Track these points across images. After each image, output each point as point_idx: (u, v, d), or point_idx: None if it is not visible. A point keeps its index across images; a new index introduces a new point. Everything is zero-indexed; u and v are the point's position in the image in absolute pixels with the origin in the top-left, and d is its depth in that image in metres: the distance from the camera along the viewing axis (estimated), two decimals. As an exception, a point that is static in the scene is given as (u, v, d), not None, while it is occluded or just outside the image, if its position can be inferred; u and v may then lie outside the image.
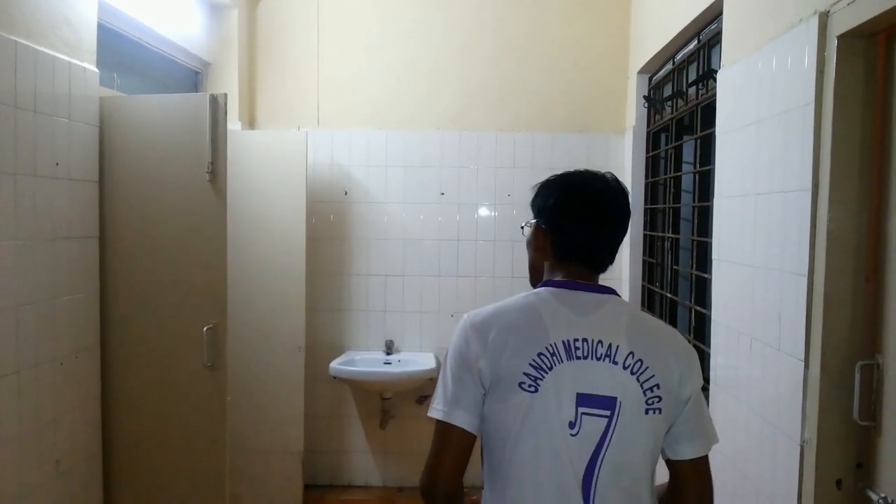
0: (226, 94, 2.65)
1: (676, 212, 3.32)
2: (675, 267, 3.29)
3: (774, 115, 1.95)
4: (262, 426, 3.69)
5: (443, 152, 4.06)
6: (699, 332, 2.86)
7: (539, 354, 1.27)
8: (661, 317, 3.48)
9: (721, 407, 2.34)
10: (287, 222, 3.67)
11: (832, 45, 1.66)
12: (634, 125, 3.82)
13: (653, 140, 3.74)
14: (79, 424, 2.55)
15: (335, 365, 3.80)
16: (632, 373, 1.27)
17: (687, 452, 1.33)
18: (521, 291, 1.40)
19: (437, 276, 4.04)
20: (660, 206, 3.60)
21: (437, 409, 1.32)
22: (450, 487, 1.29)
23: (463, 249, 3.92)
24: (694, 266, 2.88)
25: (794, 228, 1.80)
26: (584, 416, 1.26)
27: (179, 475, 2.73)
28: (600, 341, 1.29)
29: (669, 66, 3.35)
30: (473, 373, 1.30)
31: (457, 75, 4.05)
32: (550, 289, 1.37)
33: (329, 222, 4.09)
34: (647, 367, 1.28)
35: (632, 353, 1.28)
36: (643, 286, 3.80)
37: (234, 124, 3.87)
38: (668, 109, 3.37)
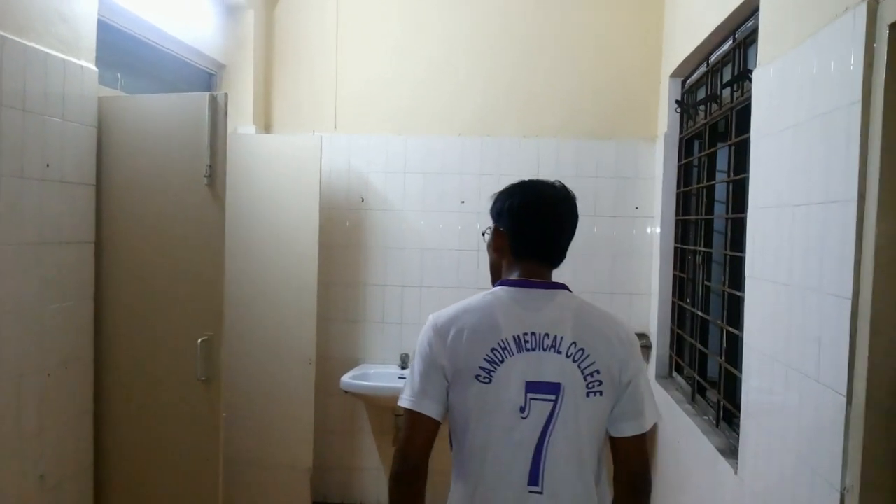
0: (226, 94, 2.52)
1: (709, 224, 3.09)
2: (706, 283, 3.06)
3: (815, 117, 1.74)
4: (270, 441, 3.55)
5: (464, 159, 3.90)
6: (731, 355, 2.63)
7: (492, 350, 1.46)
8: (691, 335, 3.26)
9: (752, 439, 2.12)
10: (300, 229, 3.55)
11: (882, 35, 1.44)
12: (666, 131, 3.61)
13: (685, 147, 3.52)
14: (68, 438, 2.43)
15: (347, 379, 3.65)
16: (573, 360, 1.46)
17: (626, 430, 1.50)
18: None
19: (456, 287, 3.87)
20: (692, 217, 3.38)
21: (406, 399, 1.50)
22: (418, 461, 1.48)
23: (483, 260, 3.71)
24: (727, 282, 2.65)
25: (835, 244, 1.58)
26: (532, 401, 1.45)
27: (172, 492, 2.60)
28: (547, 334, 1.47)
29: (703, 69, 3.14)
30: (437, 368, 1.49)
31: (480, 78, 3.89)
32: (506, 288, 1.54)
33: (345, 230, 3.95)
34: (588, 355, 1.46)
35: (574, 343, 1.47)
36: (673, 302, 3.57)
37: (248, 128, 3.77)
38: (702, 114, 3.15)
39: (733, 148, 2.65)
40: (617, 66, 3.82)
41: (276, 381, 3.53)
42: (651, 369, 3.67)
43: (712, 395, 2.84)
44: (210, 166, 2.49)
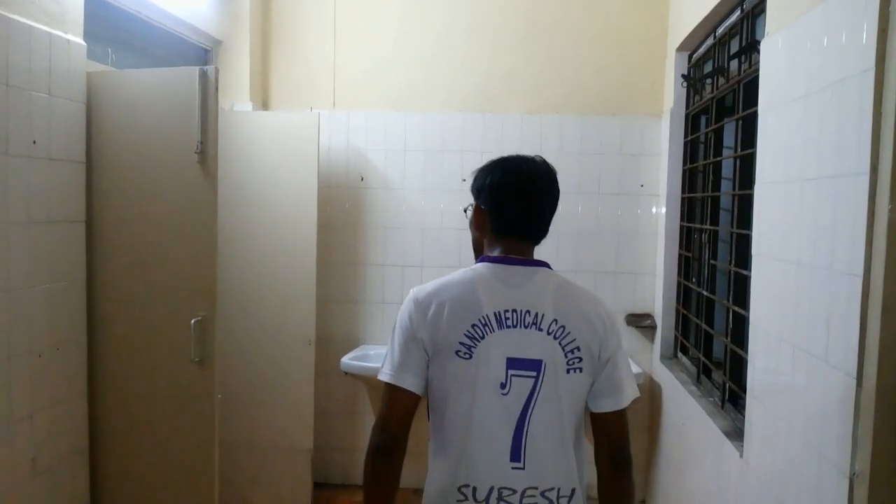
0: (216, 69, 2.45)
1: (715, 201, 3.01)
2: (712, 262, 2.99)
3: (826, 87, 1.66)
4: (270, 423, 3.51)
5: (465, 136, 3.82)
6: (737, 336, 2.57)
7: (473, 325, 1.45)
8: (696, 316, 3.19)
9: (758, 421, 2.06)
10: (298, 209, 3.48)
11: (899, -3, 1.36)
12: (672, 107, 3.52)
13: (692, 123, 3.43)
14: (61, 421, 2.39)
15: (347, 360, 3.61)
16: (555, 338, 1.46)
17: (605, 406, 1.51)
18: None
19: (457, 266, 3.75)
20: (697, 194, 3.30)
21: (386, 374, 1.49)
22: (398, 432, 1.48)
23: (485, 240, 3.65)
24: (733, 261, 2.58)
25: (846, 220, 1.51)
26: (513, 377, 1.45)
27: (167, 475, 2.57)
28: (528, 311, 1.46)
29: (711, 41, 3.04)
30: (417, 342, 1.47)
31: (481, 53, 3.79)
32: (487, 264, 1.53)
33: (344, 209, 3.89)
34: (569, 333, 1.46)
35: (555, 320, 1.46)
36: (679, 282, 3.50)
37: (245, 105, 3.70)
38: (708, 89, 3.06)
39: (741, 122, 2.57)
40: (622, 41, 3.72)
41: (275, 363, 3.48)
42: (656, 350, 3.62)
43: (718, 376, 2.79)
44: (201, 143, 2.42)
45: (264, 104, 3.90)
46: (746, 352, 2.26)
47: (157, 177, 2.52)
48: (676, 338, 3.52)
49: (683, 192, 3.48)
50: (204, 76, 2.42)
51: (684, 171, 3.47)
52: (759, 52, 2.37)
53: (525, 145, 3.72)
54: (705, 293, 3.01)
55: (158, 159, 2.51)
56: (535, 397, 1.45)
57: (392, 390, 1.48)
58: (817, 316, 1.66)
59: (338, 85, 3.87)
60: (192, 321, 2.46)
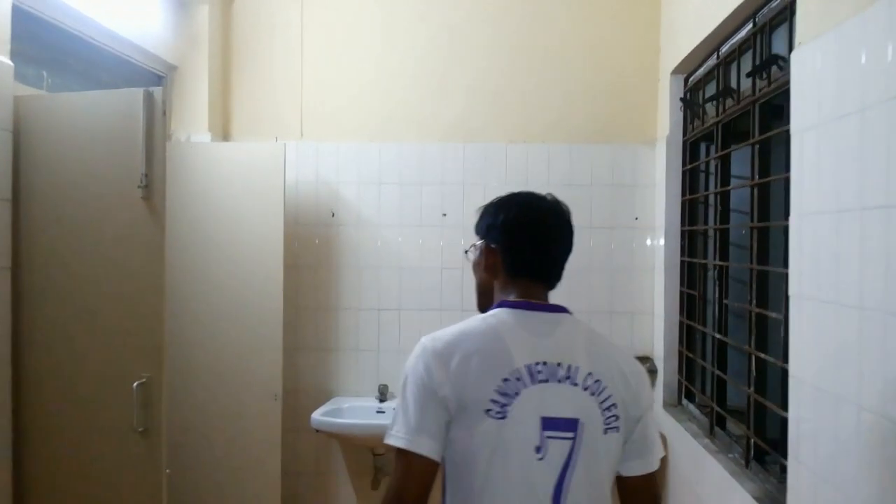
0: (163, 90, 2.12)
1: (724, 234, 2.75)
2: (724, 301, 2.71)
3: (892, 98, 1.39)
4: (231, 486, 3.11)
5: (445, 167, 3.53)
6: (761, 383, 2.28)
7: (505, 380, 1.27)
8: (703, 359, 2.91)
9: (805, 490, 1.75)
10: (263, 248, 3.14)
11: None
12: (668, 134, 3.27)
13: (690, 151, 3.18)
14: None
15: (318, 416, 3.23)
16: (591, 394, 1.31)
17: (636, 468, 1.37)
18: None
19: (438, 309, 3.50)
20: (700, 227, 3.04)
21: (399, 437, 1.28)
22: None
23: (468, 280, 3.34)
24: (754, 301, 2.30)
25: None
26: (548, 439, 1.28)
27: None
28: (560, 363, 1.31)
29: (713, 61, 2.81)
30: (438, 400, 1.28)
31: (462, 79, 3.52)
32: (508, 310, 1.37)
33: (314, 247, 3.55)
34: (606, 387, 1.32)
35: (590, 373, 1.31)
36: (681, 322, 3.22)
37: (203, 136, 3.37)
38: (712, 112, 2.82)
39: (757, 147, 2.32)
40: (612, 65, 3.48)
41: (237, 422, 3.11)
42: (658, 396, 3.31)
43: (736, 427, 2.49)
44: (146, 175, 2.08)
45: (225, 135, 3.57)
46: (771, 399, 1.97)
47: (95, 214, 2.16)
48: (680, 383, 3.22)
49: (683, 224, 3.21)
50: (149, 98, 2.09)
51: (683, 202, 3.21)
52: (780, 67, 2.13)
53: (510, 177, 3.47)
54: (716, 335, 2.72)
55: (97, 194, 2.16)
56: (572, 462, 1.29)
57: (407, 458, 1.26)
58: (890, 370, 1.37)
59: (306, 113, 3.57)
60: (135, 384, 2.09)
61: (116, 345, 2.14)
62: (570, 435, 1.28)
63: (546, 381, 1.29)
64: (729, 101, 2.61)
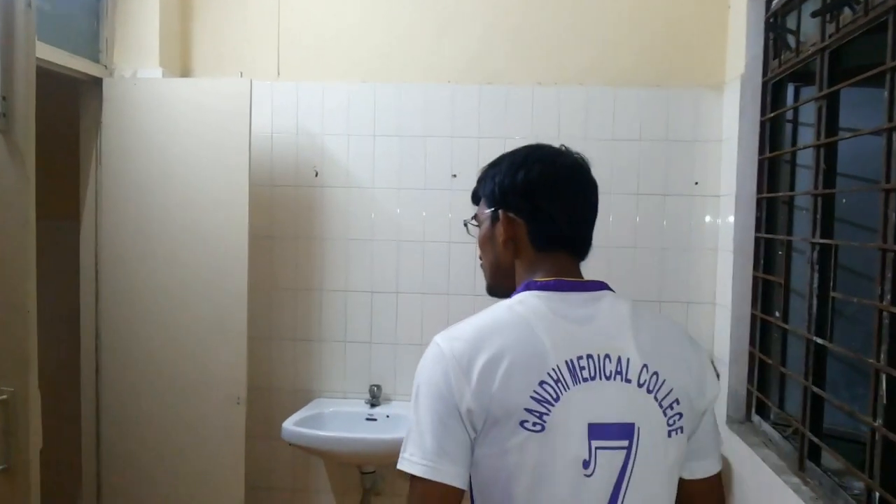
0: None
1: (828, 203, 2.03)
2: (830, 294, 2.01)
3: None
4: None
5: (456, 116, 2.85)
6: (893, 412, 1.61)
7: (541, 384, 1.05)
8: (783, 364, 2.22)
9: None
10: (223, 213, 2.54)
11: None
12: (742, 73, 2.55)
13: (773, 94, 2.47)
14: None
15: (292, 427, 2.60)
16: (648, 391, 1.09)
17: (701, 471, 1.17)
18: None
19: (445, 293, 2.85)
20: (785, 194, 2.33)
21: (415, 463, 1.05)
22: None
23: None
24: (887, 297, 1.60)
25: None
26: (598, 450, 1.06)
27: None
28: (608, 356, 1.08)
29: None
30: (459, 415, 1.06)
31: (479, 5, 2.83)
32: (536, 293, 1.13)
33: (291, 215, 2.90)
34: (665, 381, 1.09)
35: (645, 365, 1.09)
36: (753, 316, 2.52)
37: (153, 71, 2.71)
38: (813, 37, 2.09)
39: (893, 76, 1.61)
40: (668, -14, 2.77)
41: (190, 429, 2.53)
42: (720, 409, 2.63)
43: (832, 459, 1.83)
44: (3, 99, 1.42)
45: (184, 72, 2.91)
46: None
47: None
48: (750, 393, 2.54)
49: (760, 191, 2.51)
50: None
51: (761, 163, 2.50)
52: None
53: (538, 129, 2.81)
54: (815, 338, 2.02)
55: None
56: (627, 475, 1.07)
57: (425, 487, 1.05)
58: None
59: (284, 46, 2.89)
60: (-11, 404, 1.45)
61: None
62: (623, 444, 1.08)
63: (592, 378, 1.08)
64: (846, 15, 1.88)
